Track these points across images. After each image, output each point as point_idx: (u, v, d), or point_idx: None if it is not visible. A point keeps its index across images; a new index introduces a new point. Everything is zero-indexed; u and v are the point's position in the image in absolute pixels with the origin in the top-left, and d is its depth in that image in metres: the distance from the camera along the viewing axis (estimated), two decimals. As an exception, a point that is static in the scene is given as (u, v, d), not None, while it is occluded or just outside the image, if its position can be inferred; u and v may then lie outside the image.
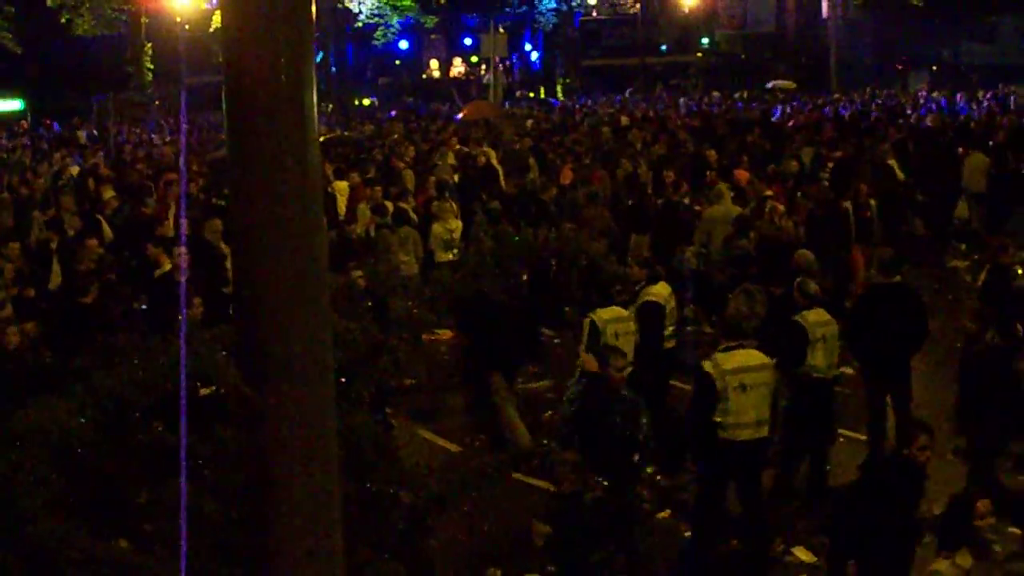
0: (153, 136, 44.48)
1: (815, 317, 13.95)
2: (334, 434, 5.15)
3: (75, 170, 31.56)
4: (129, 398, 5.16)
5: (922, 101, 50.85)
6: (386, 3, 67.10)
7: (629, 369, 12.97)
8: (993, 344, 12.96)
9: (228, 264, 15.70)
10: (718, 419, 11.84)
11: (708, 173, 24.57)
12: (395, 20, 69.04)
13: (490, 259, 7.71)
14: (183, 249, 16.05)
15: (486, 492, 6.72)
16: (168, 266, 16.89)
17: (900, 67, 73.01)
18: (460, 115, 51.14)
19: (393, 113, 58.46)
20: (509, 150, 31.82)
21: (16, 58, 50.81)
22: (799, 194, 21.83)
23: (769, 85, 66.47)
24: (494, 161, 29.37)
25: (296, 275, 4.87)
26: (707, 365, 12.05)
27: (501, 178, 27.32)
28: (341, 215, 22.86)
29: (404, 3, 67.90)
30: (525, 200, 23.19)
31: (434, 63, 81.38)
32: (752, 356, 12.11)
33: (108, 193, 24.33)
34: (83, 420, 5.10)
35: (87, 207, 23.15)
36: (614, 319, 13.95)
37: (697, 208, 22.09)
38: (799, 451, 13.98)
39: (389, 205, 22.32)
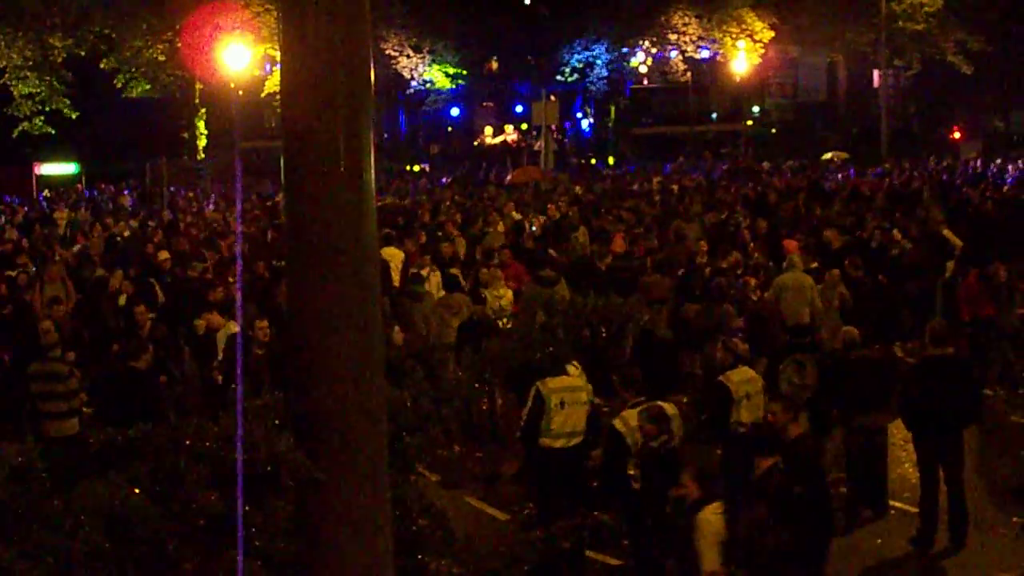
0: (208, 205, 44.60)
1: (739, 376, 14.41)
2: (388, 505, 5.14)
3: (126, 233, 31.78)
4: (183, 471, 5.18)
5: (971, 170, 50.70)
6: (438, 70, 67.60)
7: (578, 439, 13.85)
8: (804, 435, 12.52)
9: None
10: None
11: (752, 244, 24.71)
12: (446, 87, 69.48)
13: (539, 328, 7.73)
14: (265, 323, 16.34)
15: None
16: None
17: (958, 136, 72.72)
18: (508, 178, 51.43)
19: (444, 180, 58.67)
20: (559, 217, 31.90)
21: (71, 122, 51.37)
22: (846, 263, 21.68)
23: (824, 157, 66.34)
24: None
25: (351, 347, 4.87)
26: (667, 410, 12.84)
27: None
28: (395, 283, 22.83)
29: (455, 71, 68.37)
30: (578, 268, 23.14)
31: (488, 129, 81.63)
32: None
33: (162, 255, 24.47)
34: (137, 491, 5.12)
35: (138, 271, 23.30)
36: (562, 388, 13.86)
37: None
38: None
39: (435, 274, 22.43)
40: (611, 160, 74.57)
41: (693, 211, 32.07)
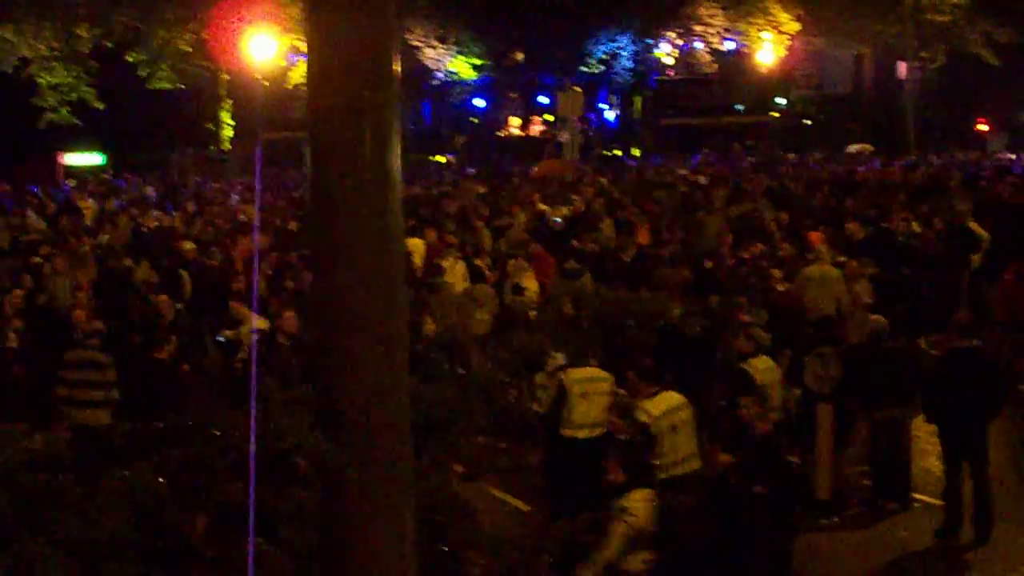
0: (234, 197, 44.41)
1: (762, 364, 14.56)
2: (412, 496, 5.15)
3: (152, 223, 31.77)
4: (209, 460, 5.20)
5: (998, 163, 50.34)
6: (463, 61, 67.57)
7: (600, 430, 13.82)
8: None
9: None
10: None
11: (777, 236, 24.67)
12: (471, 78, 69.47)
13: (567, 322, 7.77)
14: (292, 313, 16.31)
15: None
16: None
17: (986, 128, 72.23)
18: (534, 170, 51.31)
19: (470, 170, 58.46)
20: (584, 209, 31.76)
21: (97, 112, 51.28)
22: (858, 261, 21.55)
23: (850, 150, 65.88)
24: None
25: (375, 339, 4.88)
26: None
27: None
28: (417, 273, 22.78)
29: (480, 62, 68.32)
30: (603, 260, 23.06)
31: (516, 120, 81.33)
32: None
33: (187, 245, 24.51)
34: (160, 479, 5.14)
35: (169, 262, 23.35)
36: (584, 379, 14.02)
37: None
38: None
39: (460, 265, 22.34)
40: (636, 151, 74.34)
41: (716, 203, 31.93)
